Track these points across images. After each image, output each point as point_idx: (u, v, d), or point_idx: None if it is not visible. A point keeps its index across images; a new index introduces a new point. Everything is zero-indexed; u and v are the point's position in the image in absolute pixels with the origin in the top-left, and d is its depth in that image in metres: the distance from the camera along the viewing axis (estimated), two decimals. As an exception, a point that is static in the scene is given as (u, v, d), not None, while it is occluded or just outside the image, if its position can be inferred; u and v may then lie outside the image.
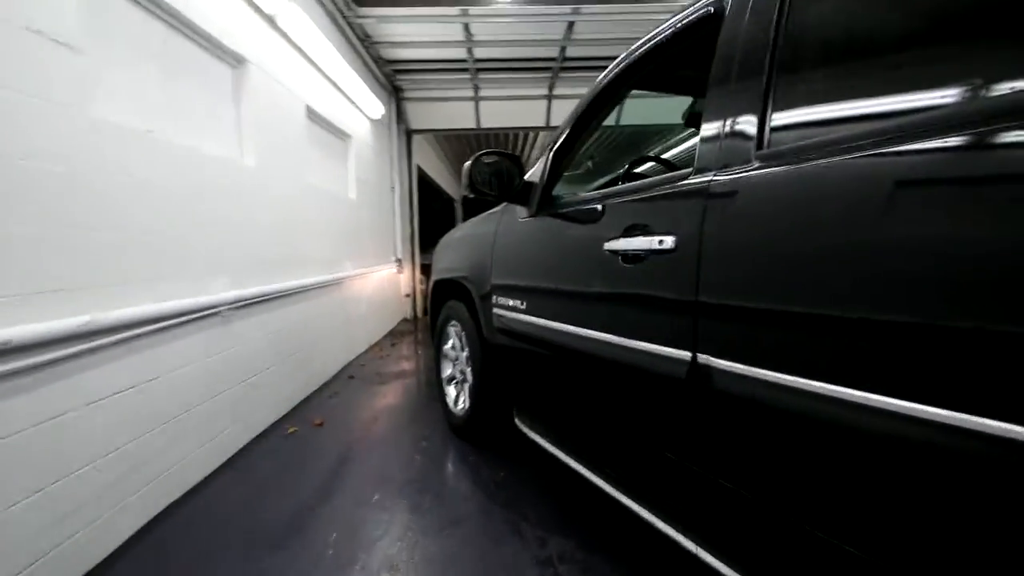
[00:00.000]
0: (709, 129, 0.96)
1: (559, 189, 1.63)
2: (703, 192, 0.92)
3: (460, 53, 4.37)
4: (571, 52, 4.39)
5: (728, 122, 0.92)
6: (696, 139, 1.02)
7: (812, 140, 0.77)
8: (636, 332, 1.08)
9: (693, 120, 1.83)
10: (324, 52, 3.20)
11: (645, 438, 1.14)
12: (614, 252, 1.15)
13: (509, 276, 1.70)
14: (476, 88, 5.16)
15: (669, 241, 0.98)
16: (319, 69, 3.34)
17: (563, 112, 5.38)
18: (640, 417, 1.16)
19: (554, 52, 4.38)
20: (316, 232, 3.21)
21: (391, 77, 4.94)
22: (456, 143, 8.66)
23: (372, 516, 1.62)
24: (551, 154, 1.55)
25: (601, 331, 1.19)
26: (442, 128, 5.76)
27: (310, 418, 2.55)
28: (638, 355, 1.06)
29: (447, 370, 2.38)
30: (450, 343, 2.33)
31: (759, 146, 0.85)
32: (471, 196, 1.53)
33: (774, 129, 0.84)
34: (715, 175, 0.91)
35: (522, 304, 1.59)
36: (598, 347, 1.21)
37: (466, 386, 2.18)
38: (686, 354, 0.94)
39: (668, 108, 5.52)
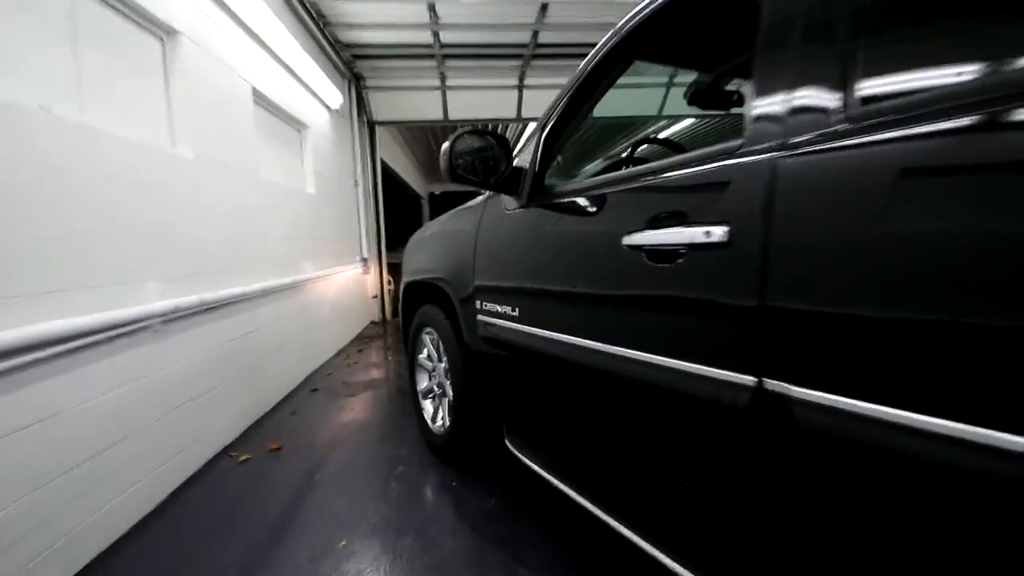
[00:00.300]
0: (768, 94, 0.75)
1: (551, 177, 1.40)
2: (768, 169, 0.71)
3: (425, 37, 4.08)
4: (544, 38, 4.17)
5: (798, 84, 0.71)
6: (742, 109, 0.81)
7: (927, 95, 0.56)
8: (672, 348, 0.86)
9: (700, 97, 1.64)
10: (272, 29, 2.86)
11: (682, 480, 0.93)
12: (635, 248, 0.93)
13: (496, 278, 1.46)
14: (443, 77, 4.87)
15: (719, 232, 0.76)
16: (268, 49, 2.99)
17: (535, 103, 5.15)
18: (676, 454, 0.95)
19: (526, 37, 4.14)
20: (270, 231, 2.88)
21: (351, 63, 4.59)
22: (422, 137, 8.32)
23: (339, 569, 1.36)
24: (543, 135, 1.32)
25: (620, 346, 0.97)
26: (407, 120, 5.44)
27: (265, 442, 2.24)
28: (675, 377, 0.85)
29: (423, 382, 2.12)
30: (425, 352, 2.07)
31: (844, 110, 0.64)
32: (450, 179, 1.28)
33: (864, 92, 0.64)
34: (783, 148, 0.70)
35: (513, 311, 1.36)
36: (616, 365, 0.99)
37: (445, 401, 1.93)
38: (748, 379, 0.73)
39: (639, 99, 5.39)
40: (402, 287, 2.22)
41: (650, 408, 0.99)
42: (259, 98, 2.90)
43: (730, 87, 1.68)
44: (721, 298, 0.77)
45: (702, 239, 0.79)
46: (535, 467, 1.37)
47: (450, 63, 4.61)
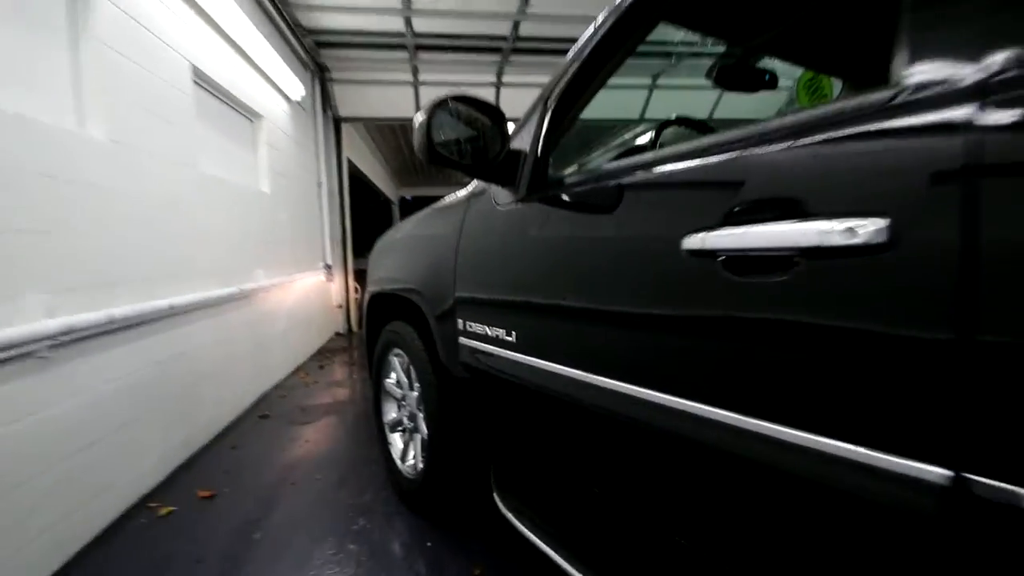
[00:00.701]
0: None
1: (556, 164, 1.11)
2: (961, 126, 0.42)
3: (396, 23, 3.74)
4: (525, 30, 3.89)
5: None
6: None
7: None
8: (778, 409, 0.56)
9: (726, 76, 1.38)
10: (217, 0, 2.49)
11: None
12: (703, 254, 0.63)
13: (485, 292, 1.15)
14: (415, 70, 4.54)
15: (871, 229, 0.47)
16: (214, 24, 2.61)
17: (514, 103, 4.87)
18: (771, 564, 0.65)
19: (506, 29, 3.86)
20: (212, 234, 2.48)
21: (314, 52, 4.21)
22: (392, 138, 7.94)
23: None
24: (548, 110, 1.03)
25: (679, 396, 0.67)
26: (376, 117, 5.08)
27: (196, 487, 1.85)
28: (782, 454, 0.55)
29: (391, 413, 1.78)
30: (393, 377, 1.73)
31: None
32: (428, 162, 0.96)
33: None
34: (987, 95, 0.41)
35: (509, 335, 1.04)
36: (670, 422, 0.69)
37: (418, 437, 1.59)
38: (936, 471, 0.44)
39: (626, 102, 5.20)
40: (366, 299, 1.88)
41: (726, 490, 0.69)
42: (201, 79, 2.51)
43: (761, 66, 1.43)
44: (877, 329, 0.48)
45: (838, 240, 0.49)
46: (536, 540, 1.04)
47: (423, 55, 4.28)
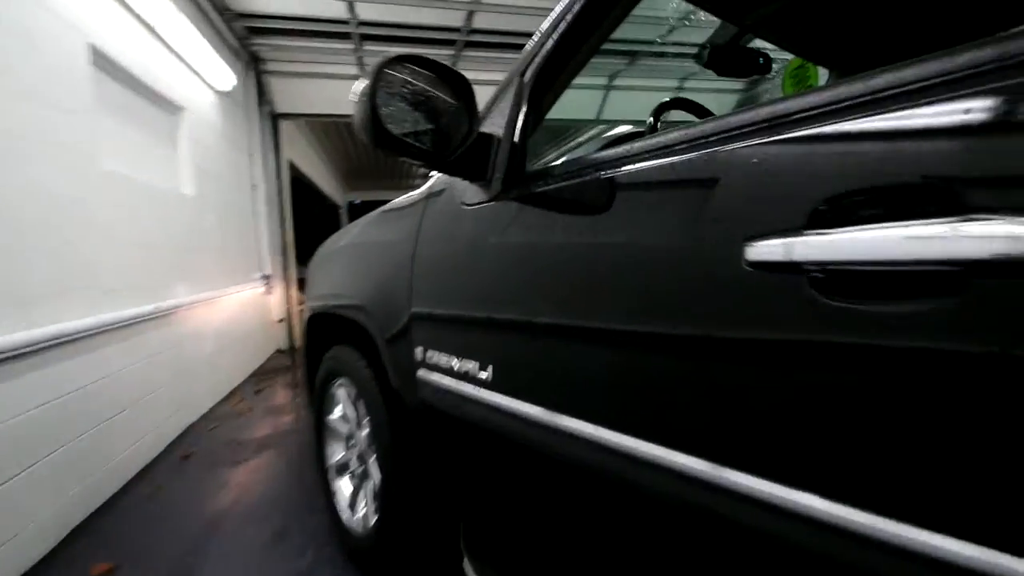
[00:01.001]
0: None
1: (535, 154, 0.90)
2: None
3: (339, 10, 3.42)
4: (481, 21, 3.67)
5: None
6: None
7: None
8: (928, 505, 0.36)
9: (718, 59, 1.21)
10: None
11: None
12: (782, 268, 0.43)
13: (450, 311, 0.92)
14: (361, 62, 4.22)
15: None
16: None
17: (467, 99, 4.65)
18: None
19: (459, 19, 3.63)
20: (123, 244, 2.11)
21: (246, 39, 3.81)
22: (338, 138, 7.52)
23: None
24: (529, 84, 0.82)
25: (748, 471, 0.47)
26: (318, 113, 4.71)
27: (90, 558, 1.49)
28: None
29: (336, 454, 1.50)
30: (338, 411, 1.46)
31: None
32: (373, 144, 0.72)
33: None
34: None
35: (483, 369, 0.82)
36: (752, 515, 0.48)
37: (369, 484, 1.33)
38: None
39: (579, 103, 5.08)
40: (304, 319, 1.59)
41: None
42: (103, 60, 2.13)
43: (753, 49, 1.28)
44: None
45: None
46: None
47: (369, 46, 3.97)
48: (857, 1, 1.10)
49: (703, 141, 0.54)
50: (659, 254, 0.56)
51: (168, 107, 2.85)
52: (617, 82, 4.97)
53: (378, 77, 0.69)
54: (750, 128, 0.49)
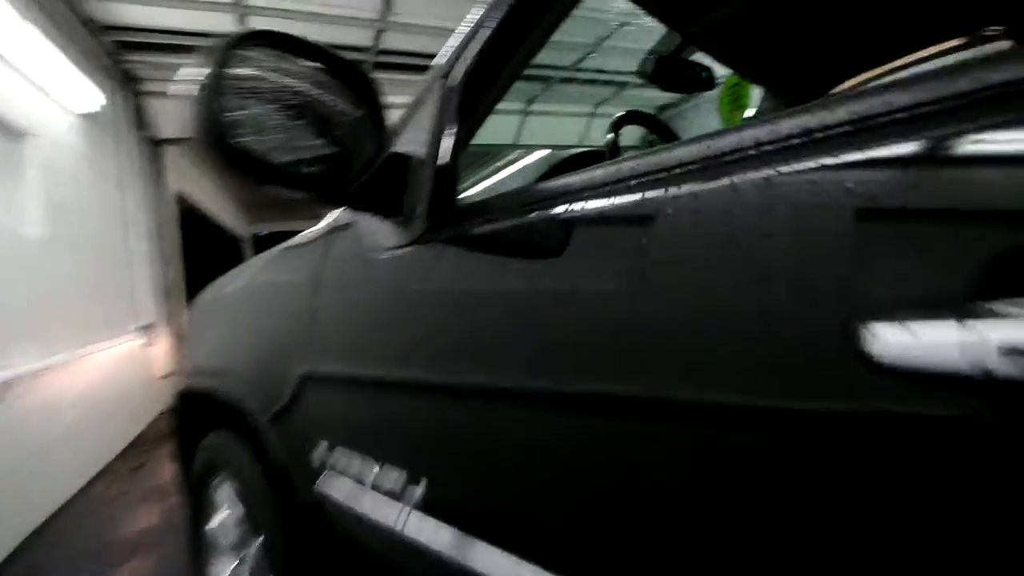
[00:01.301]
0: None
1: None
2: None
3: (226, 24, 3.06)
4: (390, 41, 3.46)
5: None
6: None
7: None
8: None
9: (663, 71, 1.08)
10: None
11: None
12: (944, 379, 0.24)
13: (363, 394, 0.67)
14: (259, 85, 3.83)
15: None
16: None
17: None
18: None
19: (367, 39, 3.39)
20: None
21: (116, 55, 3.30)
22: (238, 167, 6.88)
23: None
24: (458, 90, 0.61)
25: None
26: (211, 139, 4.21)
27: None
28: None
29: (224, 573, 1.15)
30: (220, 517, 1.12)
31: None
32: (213, 160, 0.46)
33: None
34: None
35: (414, 483, 0.57)
36: None
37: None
38: None
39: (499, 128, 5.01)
40: (175, 398, 1.24)
41: None
42: None
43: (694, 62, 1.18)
44: None
45: None
46: None
47: (267, 68, 3.61)
48: (801, 18, 1.03)
49: (737, 157, 0.35)
50: (682, 316, 0.36)
51: (7, 132, 2.33)
52: (533, 107, 4.96)
53: (224, 60, 0.44)
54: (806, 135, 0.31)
